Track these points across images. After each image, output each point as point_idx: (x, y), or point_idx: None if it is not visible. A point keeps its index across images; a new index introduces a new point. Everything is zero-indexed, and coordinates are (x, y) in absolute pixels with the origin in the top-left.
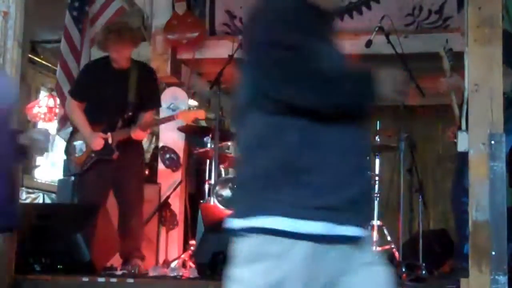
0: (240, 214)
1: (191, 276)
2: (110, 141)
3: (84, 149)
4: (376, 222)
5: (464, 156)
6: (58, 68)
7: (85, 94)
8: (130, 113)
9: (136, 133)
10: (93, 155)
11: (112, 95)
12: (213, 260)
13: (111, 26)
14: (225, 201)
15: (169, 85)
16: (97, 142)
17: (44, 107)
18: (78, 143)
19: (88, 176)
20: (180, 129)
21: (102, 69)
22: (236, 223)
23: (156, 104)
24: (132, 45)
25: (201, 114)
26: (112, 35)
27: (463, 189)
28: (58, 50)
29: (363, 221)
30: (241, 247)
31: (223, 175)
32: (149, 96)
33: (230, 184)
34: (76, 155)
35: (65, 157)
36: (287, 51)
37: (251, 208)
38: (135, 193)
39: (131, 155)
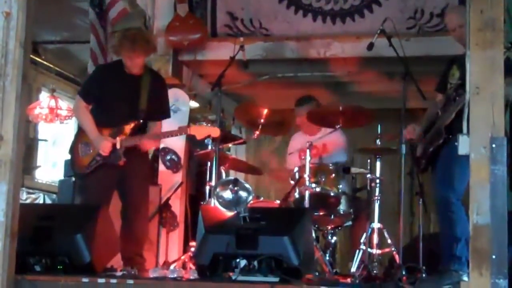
0: None
1: (191, 277)
2: (118, 146)
3: (89, 151)
4: (376, 225)
5: (451, 157)
6: (89, 64)
7: (95, 96)
8: (141, 121)
9: (146, 143)
10: (98, 158)
11: (123, 100)
12: (213, 262)
13: (126, 33)
14: (225, 203)
15: (170, 86)
16: (105, 147)
17: (45, 108)
18: (83, 144)
19: (91, 178)
20: None
21: (115, 72)
22: None
23: (166, 115)
24: (145, 54)
25: (215, 131)
26: (126, 41)
27: (453, 188)
28: (60, 51)
29: None
30: None
31: (223, 176)
32: (160, 106)
33: (230, 186)
34: (81, 156)
35: (69, 156)
36: None
37: None
38: (141, 198)
39: (137, 159)
